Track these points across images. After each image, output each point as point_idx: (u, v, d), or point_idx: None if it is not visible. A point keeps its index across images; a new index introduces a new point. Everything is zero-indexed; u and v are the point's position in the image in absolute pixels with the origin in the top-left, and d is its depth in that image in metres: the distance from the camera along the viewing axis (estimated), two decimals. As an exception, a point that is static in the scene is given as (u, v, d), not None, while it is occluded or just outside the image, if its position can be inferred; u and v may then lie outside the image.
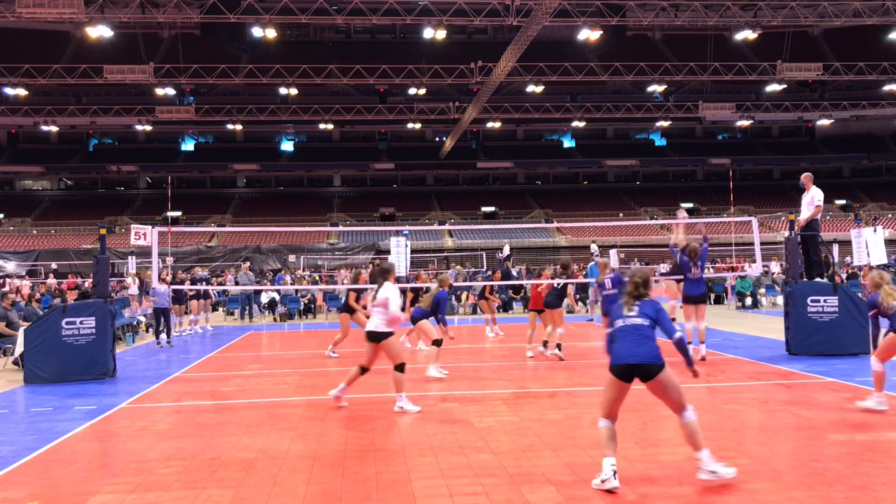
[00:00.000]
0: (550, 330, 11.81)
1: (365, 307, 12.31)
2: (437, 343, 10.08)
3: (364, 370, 8.04)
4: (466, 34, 59.37)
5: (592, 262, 20.90)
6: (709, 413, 7.49)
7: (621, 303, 5.53)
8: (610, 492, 5.08)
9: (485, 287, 16.69)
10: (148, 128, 56.17)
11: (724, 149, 66.53)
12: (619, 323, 5.39)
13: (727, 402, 8.10)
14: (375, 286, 8.13)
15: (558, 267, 13.01)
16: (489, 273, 26.56)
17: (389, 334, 7.82)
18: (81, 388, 9.93)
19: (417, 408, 7.88)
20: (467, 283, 23.59)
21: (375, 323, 7.86)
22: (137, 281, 22.71)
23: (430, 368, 10.09)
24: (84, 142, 63.52)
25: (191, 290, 17.67)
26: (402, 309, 12.71)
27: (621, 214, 57.18)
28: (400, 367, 7.87)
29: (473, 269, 35.54)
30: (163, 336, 15.08)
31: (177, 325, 17.20)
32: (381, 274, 8.17)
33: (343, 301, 13.00)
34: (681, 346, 5.39)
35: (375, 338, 7.82)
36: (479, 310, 22.48)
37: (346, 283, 25.41)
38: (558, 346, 11.61)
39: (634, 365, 5.18)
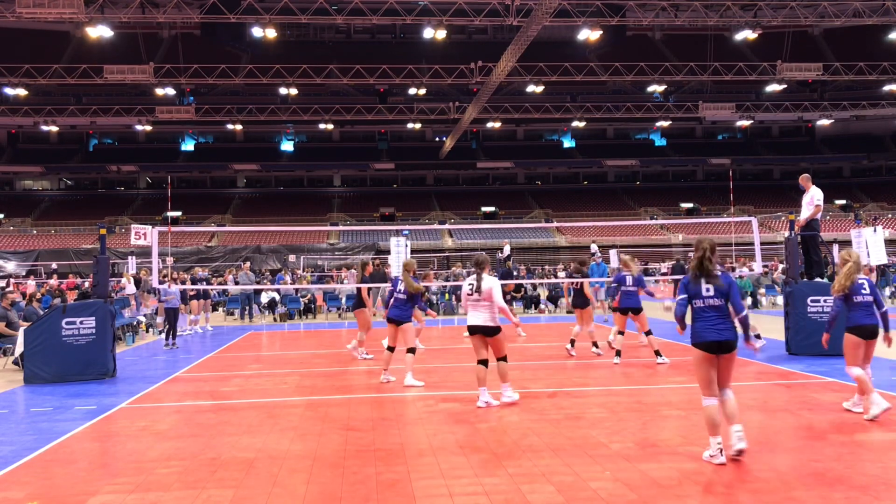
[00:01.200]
0: (579, 329, 12.02)
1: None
2: (412, 351, 9.69)
3: (487, 362, 8.10)
4: (466, 34, 59.39)
5: (594, 262, 20.84)
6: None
7: (691, 279, 5.91)
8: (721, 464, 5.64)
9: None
10: (148, 128, 56.21)
11: (724, 149, 66.56)
12: (699, 303, 5.84)
13: (727, 402, 8.09)
14: (472, 279, 8.03)
15: (575, 265, 13.01)
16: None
17: (500, 329, 7.94)
18: (81, 388, 9.93)
19: (517, 395, 8.23)
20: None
21: (484, 317, 7.87)
22: (133, 281, 22.69)
23: (408, 377, 9.54)
24: (84, 142, 63.55)
25: (192, 289, 17.65)
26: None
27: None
28: (504, 358, 8.07)
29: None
30: (181, 334, 14.95)
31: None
32: (478, 266, 8.09)
33: (357, 297, 12.54)
34: (744, 322, 5.92)
35: (489, 332, 7.90)
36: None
37: (349, 282, 25.35)
38: (572, 343, 11.88)
39: (721, 341, 5.76)
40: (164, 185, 52.89)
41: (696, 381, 5.94)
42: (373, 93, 57.63)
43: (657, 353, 10.95)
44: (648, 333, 11.09)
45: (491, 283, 7.89)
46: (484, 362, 8.05)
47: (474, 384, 8.16)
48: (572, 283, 12.19)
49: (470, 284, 8.00)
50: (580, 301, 11.95)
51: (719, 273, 5.90)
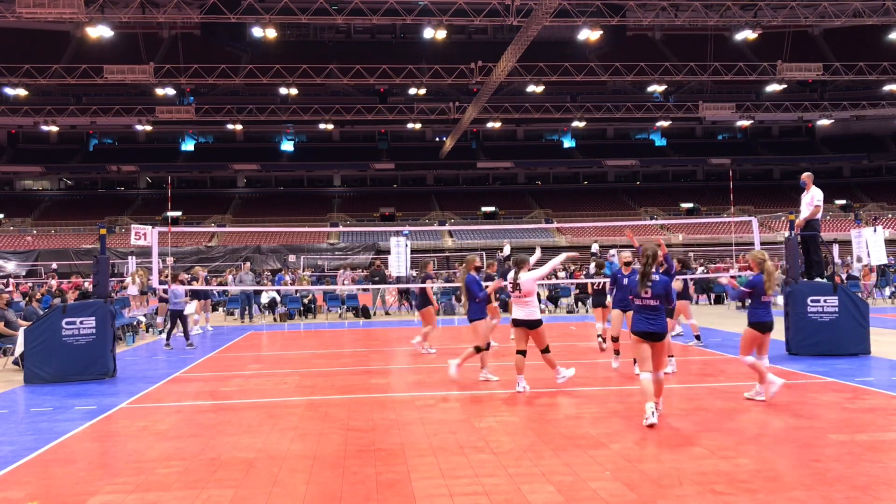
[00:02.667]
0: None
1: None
2: (478, 349, 9.53)
3: (525, 353, 8.82)
4: (466, 34, 59.37)
5: (607, 261, 20.77)
6: (709, 413, 7.50)
7: (637, 281, 7.09)
8: (650, 426, 6.75)
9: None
10: (148, 128, 56.20)
11: (724, 149, 66.55)
12: (638, 302, 7.12)
13: (727, 402, 8.11)
14: (511, 276, 8.77)
15: (596, 266, 12.88)
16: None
17: (541, 322, 8.71)
18: (81, 388, 9.93)
19: (572, 370, 9.12)
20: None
21: (526, 312, 8.64)
22: (138, 281, 22.68)
23: (452, 364, 9.57)
24: (84, 142, 63.55)
25: (194, 289, 17.62)
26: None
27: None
28: (546, 349, 8.77)
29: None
30: (180, 335, 14.91)
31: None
32: (516, 265, 8.83)
33: (422, 296, 12.98)
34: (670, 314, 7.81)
35: (531, 325, 8.63)
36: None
37: (347, 283, 25.36)
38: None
39: (651, 332, 7.03)
40: (164, 185, 52.94)
41: (636, 358, 7.24)
42: (373, 93, 57.62)
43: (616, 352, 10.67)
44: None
45: (526, 277, 8.67)
46: (522, 352, 8.75)
47: (474, 385, 8.17)
48: (595, 283, 12.13)
49: (509, 283, 8.75)
50: (602, 300, 11.83)
51: (657, 279, 7.03)
